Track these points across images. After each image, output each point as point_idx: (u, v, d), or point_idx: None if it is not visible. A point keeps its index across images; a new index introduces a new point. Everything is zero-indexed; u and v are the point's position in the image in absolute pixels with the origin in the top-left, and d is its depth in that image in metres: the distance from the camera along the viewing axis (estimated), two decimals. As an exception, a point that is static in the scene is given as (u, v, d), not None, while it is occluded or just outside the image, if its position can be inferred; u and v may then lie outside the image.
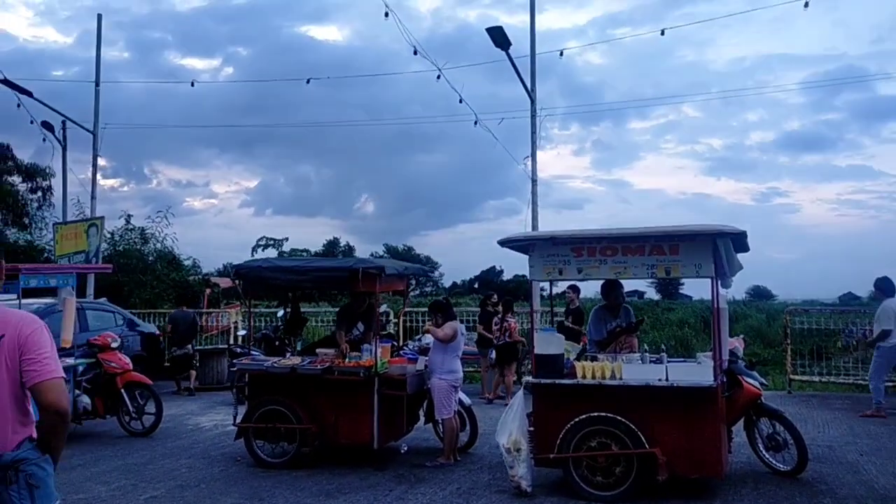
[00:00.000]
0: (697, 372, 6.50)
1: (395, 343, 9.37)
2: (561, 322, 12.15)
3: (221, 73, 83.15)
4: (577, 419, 6.51)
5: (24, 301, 12.30)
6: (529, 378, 6.90)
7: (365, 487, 6.98)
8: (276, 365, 7.83)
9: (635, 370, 6.61)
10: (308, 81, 16.19)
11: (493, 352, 12.40)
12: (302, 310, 10.49)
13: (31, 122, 16.73)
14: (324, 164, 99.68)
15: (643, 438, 6.32)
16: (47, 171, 27.72)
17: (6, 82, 15.49)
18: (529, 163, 15.24)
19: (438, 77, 13.74)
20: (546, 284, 8.81)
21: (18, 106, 15.66)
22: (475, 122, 15.35)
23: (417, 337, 8.48)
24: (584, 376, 6.63)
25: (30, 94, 15.86)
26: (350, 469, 7.62)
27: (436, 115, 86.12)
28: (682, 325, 27.44)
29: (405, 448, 8.29)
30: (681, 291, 46.71)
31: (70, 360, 9.32)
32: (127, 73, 73.96)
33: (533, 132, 15.32)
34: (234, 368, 8.15)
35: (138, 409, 9.76)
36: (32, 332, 2.82)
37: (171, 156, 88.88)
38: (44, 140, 17.30)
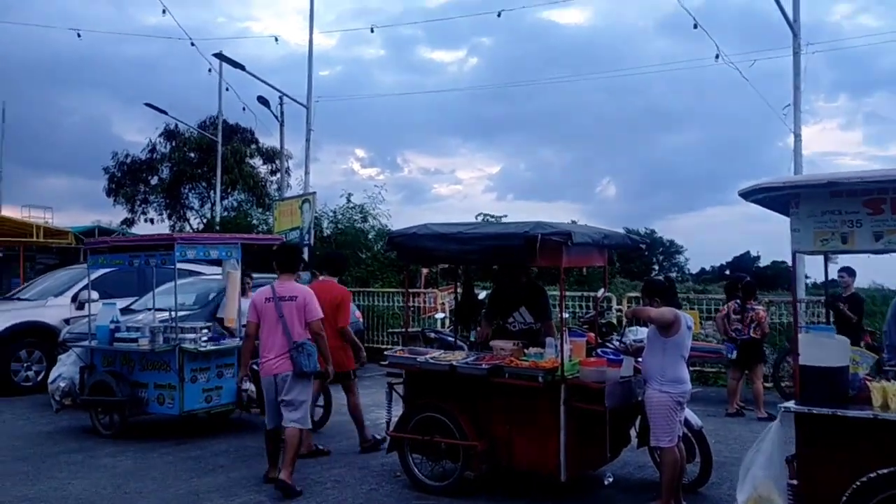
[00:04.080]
0: None
1: (611, 337, 7.23)
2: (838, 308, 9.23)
3: (467, 63, 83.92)
4: (872, 475, 4.02)
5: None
6: (790, 404, 4.46)
7: (540, 539, 5.01)
8: (432, 360, 6.07)
9: (983, 401, 3.95)
10: (499, 14, 14.83)
11: (733, 349, 9.74)
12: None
13: (227, 90, 17.25)
14: (565, 147, 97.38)
15: None
16: (286, 153, 28.63)
17: (221, 56, 15.47)
18: (791, 112, 12.18)
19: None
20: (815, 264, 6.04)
21: (209, 70, 15.68)
22: (716, 56, 12.63)
23: (623, 330, 6.26)
24: (884, 405, 4.11)
25: (242, 68, 15.78)
26: (527, 505, 5.68)
27: (683, 92, 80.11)
28: None
29: (610, 479, 6.20)
30: None
31: (232, 342, 8.34)
32: (382, 70, 77.25)
33: (796, 74, 12.21)
34: (386, 362, 6.50)
35: (307, 399, 8.54)
36: (308, 296, 6.17)
37: (421, 145, 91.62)
38: (244, 109, 17.66)
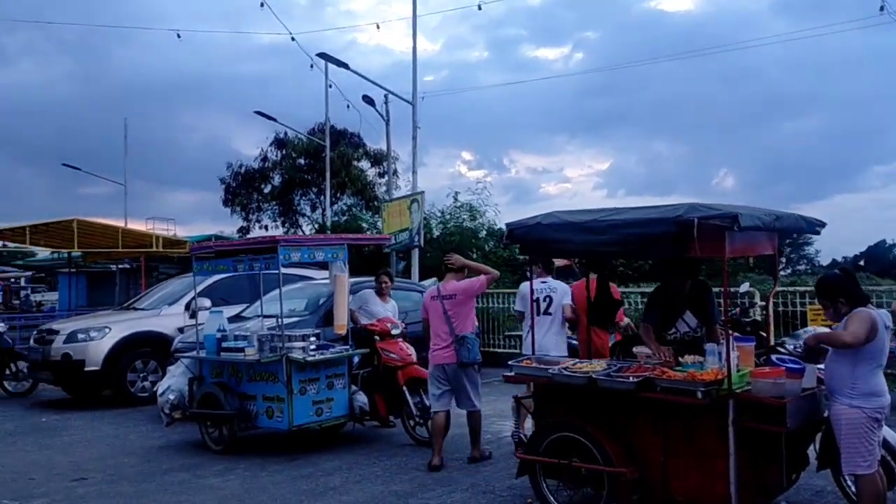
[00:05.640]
0: None
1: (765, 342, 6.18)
2: None
3: (572, 59, 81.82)
4: None
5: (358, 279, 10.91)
6: None
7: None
8: (565, 372, 5.20)
9: None
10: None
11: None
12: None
13: (331, 87, 17.73)
14: (678, 140, 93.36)
15: None
16: (393, 155, 28.42)
17: (324, 56, 15.24)
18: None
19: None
20: None
21: (311, 66, 15.48)
22: (881, 8, 11.17)
23: (796, 333, 5.19)
24: None
25: (346, 66, 15.47)
26: (690, 545, 4.73)
27: (803, 75, 74.97)
28: None
29: (785, 509, 5.15)
30: None
31: (343, 350, 7.78)
32: (486, 72, 76.67)
33: (968, 29, 10.59)
34: (511, 373, 5.65)
35: (422, 410, 7.84)
36: (465, 291, 6.88)
37: (527, 145, 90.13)
38: (348, 107, 18.49)
